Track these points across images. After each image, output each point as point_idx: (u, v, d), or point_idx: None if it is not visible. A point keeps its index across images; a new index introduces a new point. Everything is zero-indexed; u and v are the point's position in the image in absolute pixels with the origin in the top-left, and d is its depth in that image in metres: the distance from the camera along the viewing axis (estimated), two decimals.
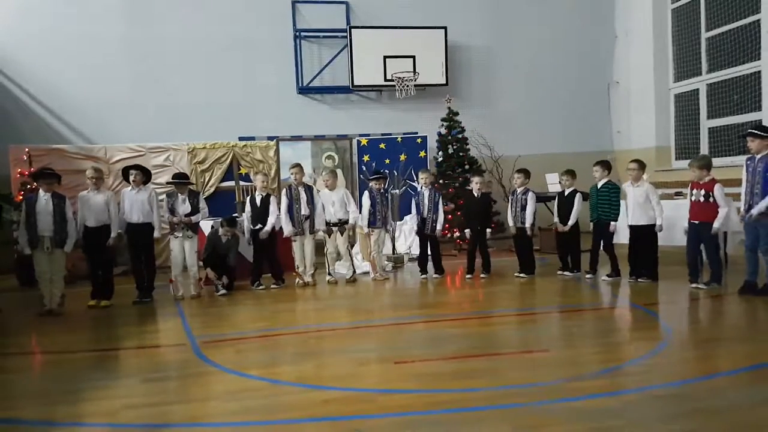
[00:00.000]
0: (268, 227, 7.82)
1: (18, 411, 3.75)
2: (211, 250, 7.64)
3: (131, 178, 7.24)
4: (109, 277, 7.20)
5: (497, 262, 8.62)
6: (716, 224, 6.43)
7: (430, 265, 8.38)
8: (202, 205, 7.51)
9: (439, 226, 8.21)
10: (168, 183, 7.64)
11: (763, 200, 5.95)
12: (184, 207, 7.30)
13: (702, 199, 6.52)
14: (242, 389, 3.98)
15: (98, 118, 10.96)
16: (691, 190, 6.69)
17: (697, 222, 6.56)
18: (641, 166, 7.25)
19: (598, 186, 7.55)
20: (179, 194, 7.37)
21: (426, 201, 8.17)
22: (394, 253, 9.54)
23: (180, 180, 7.48)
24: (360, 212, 8.23)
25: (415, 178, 11.03)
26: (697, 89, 11.31)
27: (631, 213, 7.16)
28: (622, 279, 7.35)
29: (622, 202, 7.49)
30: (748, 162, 6.26)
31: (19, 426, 3.53)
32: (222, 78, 11.46)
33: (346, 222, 8.11)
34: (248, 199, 8.12)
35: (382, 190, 8.28)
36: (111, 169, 9.75)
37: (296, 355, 4.82)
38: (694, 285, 6.62)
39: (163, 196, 7.53)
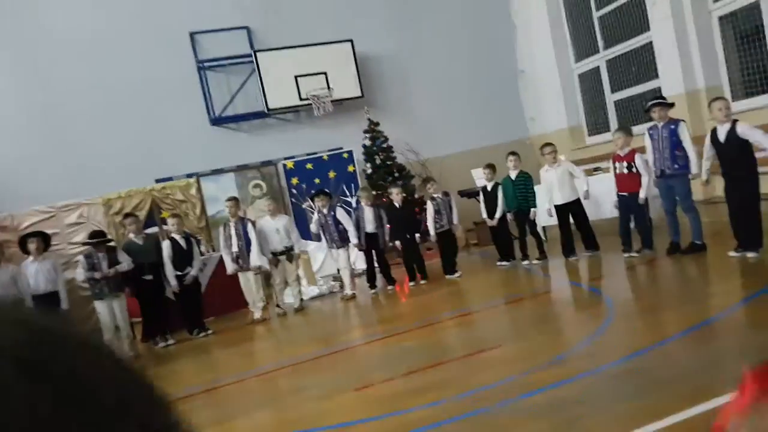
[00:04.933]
0: (192, 272, 7.47)
1: None
2: (133, 260, 7.17)
3: (32, 246, 6.78)
4: None
5: (434, 263, 8.64)
6: (642, 194, 6.69)
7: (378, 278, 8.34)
8: (124, 257, 7.13)
9: (387, 238, 8.22)
10: (84, 243, 7.16)
11: (694, 160, 6.14)
12: (105, 264, 6.91)
13: (626, 170, 6.78)
14: None
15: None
16: (614, 163, 6.94)
17: (626, 194, 6.80)
18: (554, 147, 7.51)
19: (513, 177, 7.78)
20: (97, 252, 6.96)
21: (371, 217, 8.11)
22: (338, 271, 9.39)
23: (97, 239, 7.06)
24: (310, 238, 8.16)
25: (348, 194, 10.96)
26: (598, 66, 11.84)
27: (557, 193, 7.35)
28: (550, 261, 7.62)
29: (537, 187, 7.75)
30: (651, 131, 6.55)
31: None
32: (129, 121, 10.96)
33: (292, 249, 7.91)
34: (166, 243, 7.56)
35: (326, 210, 8.08)
36: (20, 238, 9.10)
37: (250, 403, 4.60)
38: (627, 254, 6.86)
39: (80, 257, 7.09)
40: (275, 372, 5.37)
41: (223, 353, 6.56)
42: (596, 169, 9.04)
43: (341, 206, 8.66)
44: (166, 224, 9.87)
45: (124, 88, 10.96)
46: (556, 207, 7.42)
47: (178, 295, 7.51)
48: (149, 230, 9.69)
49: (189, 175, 10.80)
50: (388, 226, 8.22)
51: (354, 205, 8.56)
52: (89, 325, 8.64)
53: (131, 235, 7.54)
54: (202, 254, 8.20)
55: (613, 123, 11.50)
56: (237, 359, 6.23)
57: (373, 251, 8.18)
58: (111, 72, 10.92)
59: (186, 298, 7.53)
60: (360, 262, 8.97)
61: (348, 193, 10.99)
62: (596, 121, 12.15)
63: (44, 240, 6.92)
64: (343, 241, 8.01)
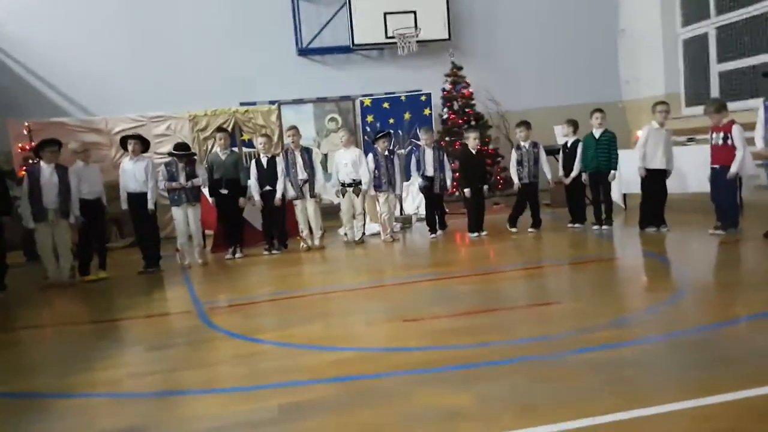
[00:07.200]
0: (278, 194, 7.68)
1: (26, 384, 3.72)
2: (213, 174, 7.50)
3: (129, 147, 7.16)
4: (103, 249, 7.18)
5: (501, 218, 8.43)
6: (733, 168, 6.19)
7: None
8: (200, 172, 7.41)
9: (448, 183, 8.06)
10: (169, 154, 7.51)
11: None
12: (183, 175, 7.22)
13: (721, 142, 6.29)
14: (251, 353, 3.93)
15: (97, 89, 10.77)
16: (711, 134, 6.47)
17: (717, 166, 6.33)
18: (668, 107, 7.02)
19: (597, 136, 7.32)
20: (178, 162, 7.26)
21: (431, 159, 7.99)
22: (401, 213, 9.42)
23: (180, 151, 7.35)
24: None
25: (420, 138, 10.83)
26: (706, 33, 10.91)
27: (655, 157, 6.83)
28: (626, 229, 7.26)
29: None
30: (767, 102, 6.03)
31: (26, 399, 3.49)
32: (221, 43, 11.19)
33: (360, 183, 7.94)
34: (253, 161, 7.88)
35: (387, 152, 8.08)
36: (112, 140, 9.66)
37: (305, 317, 4.74)
38: (711, 231, 6.43)
39: (161, 166, 7.43)
40: (330, 294, 5.52)
41: (282, 272, 6.78)
42: (690, 139, 8.44)
43: (402, 151, 8.60)
44: (246, 146, 10.21)
45: (217, 11, 11.16)
46: (653, 171, 6.88)
47: (263, 212, 7.81)
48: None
49: (271, 102, 11.01)
50: (456, 174, 8.00)
51: (421, 147, 8.35)
52: (167, 230, 9.21)
53: (217, 149, 7.80)
54: None
55: (715, 95, 10.64)
56: (294, 279, 6.43)
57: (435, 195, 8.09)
58: None
59: (269, 216, 7.81)
60: (425, 208, 8.94)
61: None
62: (696, 91, 11.28)
63: (142, 143, 7.30)
64: (392, 186, 8.00)
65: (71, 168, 6.92)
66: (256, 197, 7.72)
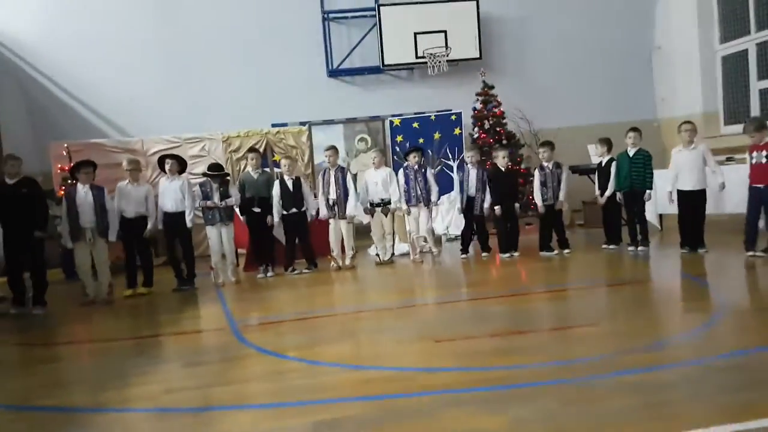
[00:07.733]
0: (313, 211, 7.84)
1: (63, 399, 3.80)
2: (245, 192, 7.62)
3: (167, 167, 7.33)
4: (148, 265, 7.30)
5: (532, 239, 8.34)
6: None
7: (472, 245, 8.22)
8: (234, 192, 7.54)
9: (486, 205, 7.98)
10: (203, 174, 7.68)
11: None
12: (216, 195, 7.36)
13: (764, 160, 6.16)
14: (283, 370, 3.94)
15: (134, 112, 11.11)
16: (751, 153, 6.33)
17: (761, 186, 6.18)
18: (694, 126, 6.92)
19: (631, 154, 7.24)
20: (212, 183, 7.41)
21: (474, 180, 7.95)
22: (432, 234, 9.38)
23: (214, 172, 7.51)
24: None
25: (450, 157, 10.83)
26: (746, 49, 10.70)
27: (685, 178, 6.78)
28: (664, 250, 7.10)
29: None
30: None
31: (63, 413, 3.57)
32: (252, 65, 11.44)
33: (389, 202, 7.97)
34: (277, 181, 7.87)
35: (417, 166, 8.04)
36: (148, 161, 9.90)
37: (335, 336, 4.75)
38: (750, 253, 6.26)
39: (196, 186, 7.57)
40: (359, 313, 5.53)
41: (312, 291, 6.82)
42: (729, 159, 8.24)
43: (431, 169, 8.62)
44: (277, 166, 10.35)
45: (250, 34, 11.42)
46: (680, 192, 6.84)
47: (286, 232, 7.84)
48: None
49: (302, 123, 11.18)
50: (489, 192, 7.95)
51: (457, 166, 8.33)
52: (201, 249, 9.37)
53: (249, 169, 7.94)
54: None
55: (756, 113, 10.40)
56: (324, 298, 6.47)
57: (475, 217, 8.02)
58: (239, 17, 11.41)
59: (292, 236, 7.86)
60: (454, 227, 8.90)
61: (450, 156, 10.83)
62: (736, 109, 11.04)
63: (179, 163, 7.47)
64: (426, 201, 7.95)
65: (118, 185, 7.13)
66: (277, 218, 7.69)
